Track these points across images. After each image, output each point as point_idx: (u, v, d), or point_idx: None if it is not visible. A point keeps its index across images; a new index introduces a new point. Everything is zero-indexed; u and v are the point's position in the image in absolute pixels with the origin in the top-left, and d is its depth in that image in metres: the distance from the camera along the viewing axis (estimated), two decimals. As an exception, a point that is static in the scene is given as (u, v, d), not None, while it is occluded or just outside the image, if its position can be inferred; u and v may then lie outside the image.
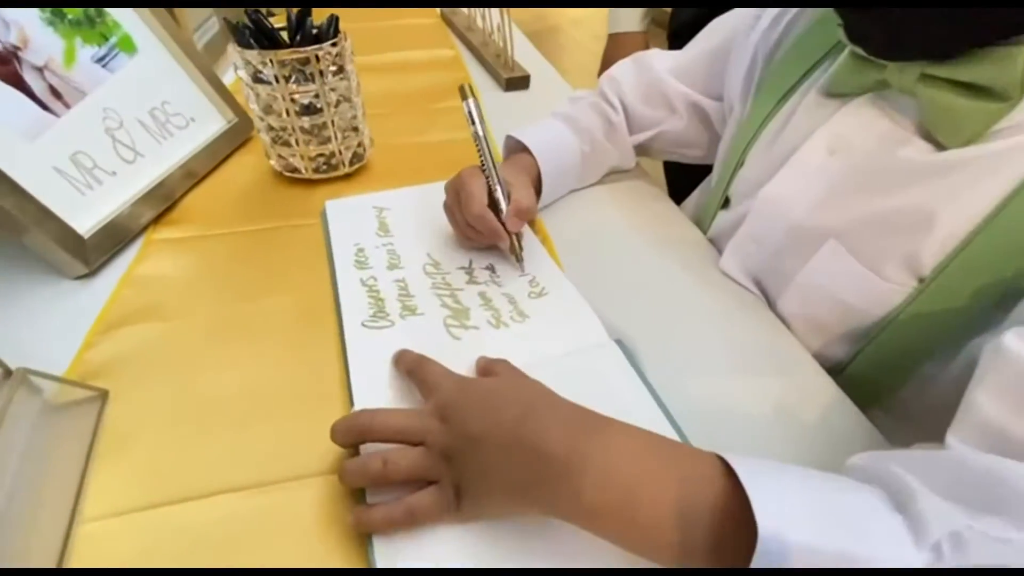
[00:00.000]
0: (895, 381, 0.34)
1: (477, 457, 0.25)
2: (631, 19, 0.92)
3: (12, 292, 0.42)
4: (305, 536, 0.28)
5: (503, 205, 0.41)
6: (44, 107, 0.44)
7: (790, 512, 0.20)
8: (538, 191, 0.48)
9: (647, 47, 0.93)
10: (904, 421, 0.35)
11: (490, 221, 0.40)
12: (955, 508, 0.19)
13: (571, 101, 0.56)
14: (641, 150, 0.57)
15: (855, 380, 0.35)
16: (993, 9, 0.26)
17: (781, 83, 0.40)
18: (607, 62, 0.95)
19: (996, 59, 0.28)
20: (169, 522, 0.28)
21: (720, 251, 0.45)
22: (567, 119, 0.52)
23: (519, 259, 0.42)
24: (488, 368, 0.32)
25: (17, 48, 0.44)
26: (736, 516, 0.21)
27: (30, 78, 0.44)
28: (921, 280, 0.32)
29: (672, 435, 0.31)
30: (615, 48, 0.93)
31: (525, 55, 0.87)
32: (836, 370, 0.37)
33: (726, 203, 0.47)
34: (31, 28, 0.45)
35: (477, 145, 0.43)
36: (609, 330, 0.37)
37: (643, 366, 0.35)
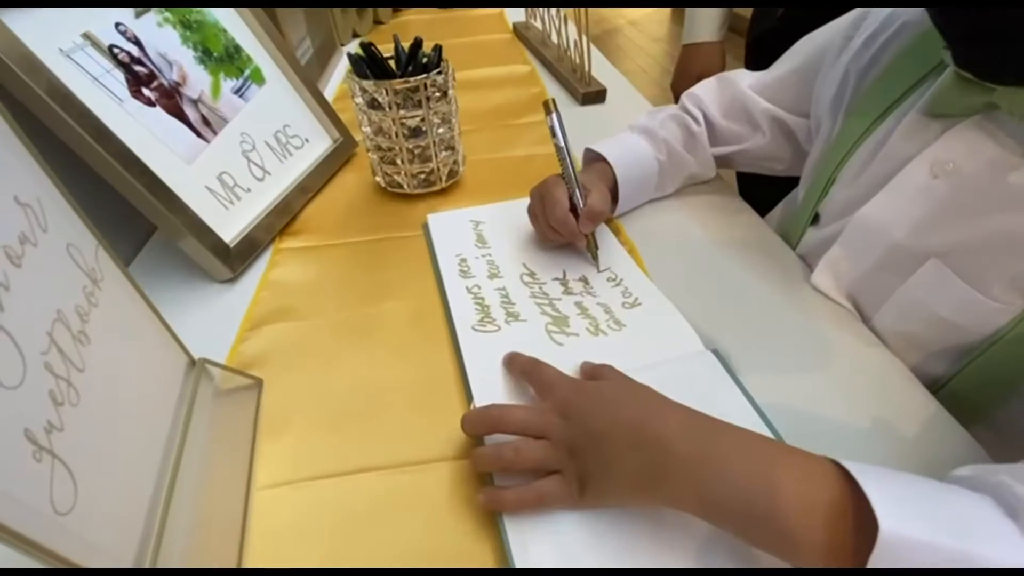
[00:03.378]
0: (997, 399, 0.35)
1: (600, 452, 0.28)
2: (708, 29, 0.91)
3: (172, 293, 0.49)
4: (434, 511, 0.32)
5: (581, 209, 0.45)
6: (198, 134, 0.51)
7: (909, 511, 0.21)
8: (616, 198, 0.52)
9: (723, 57, 0.93)
10: (1006, 438, 0.35)
11: (570, 224, 0.45)
12: None
13: (649, 115, 0.58)
14: (722, 162, 0.59)
15: (955, 397, 0.36)
16: None
17: (877, 102, 0.41)
18: (682, 73, 0.95)
19: None
20: (322, 493, 0.33)
21: (810, 266, 0.46)
22: (644, 131, 0.55)
23: (595, 257, 0.48)
24: (595, 372, 0.36)
25: (178, 84, 0.51)
26: (854, 516, 0.22)
27: (188, 110, 0.51)
28: None
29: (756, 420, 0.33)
30: (691, 58, 0.93)
31: (599, 68, 0.90)
32: (934, 387, 0.37)
33: (815, 219, 0.48)
34: (187, 66, 0.52)
35: (559, 155, 0.47)
36: (702, 340, 0.40)
37: (739, 376, 0.37)
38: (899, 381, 0.38)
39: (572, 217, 0.45)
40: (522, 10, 1.14)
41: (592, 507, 0.30)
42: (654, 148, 0.54)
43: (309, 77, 0.66)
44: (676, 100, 1.00)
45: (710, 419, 0.28)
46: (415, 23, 1.25)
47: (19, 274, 0.22)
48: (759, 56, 0.86)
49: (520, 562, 0.28)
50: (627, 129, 0.57)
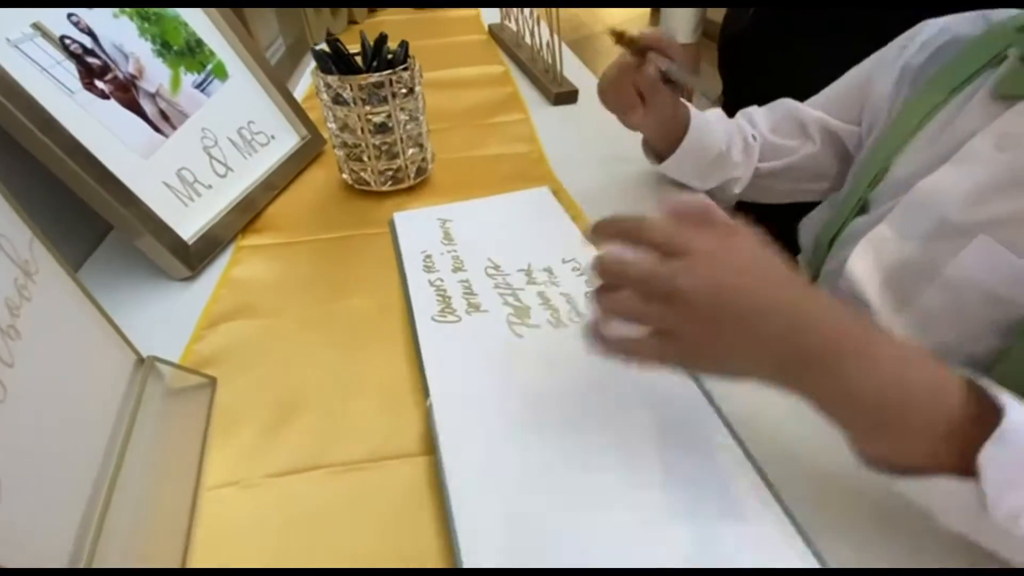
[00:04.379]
0: None
1: (732, 324, 0.26)
2: (682, 32, 0.95)
3: (127, 291, 0.48)
4: (387, 510, 0.31)
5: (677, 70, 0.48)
6: (156, 129, 0.50)
7: None
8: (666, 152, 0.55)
9: (699, 59, 0.96)
10: None
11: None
12: None
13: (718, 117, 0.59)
14: (766, 181, 0.58)
15: (1007, 376, 0.34)
16: None
17: (937, 91, 0.42)
18: None
19: None
20: (274, 492, 0.32)
21: (845, 257, 0.45)
22: (721, 119, 0.58)
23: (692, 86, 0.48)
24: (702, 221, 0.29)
25: (135, 77, 0.50)
26: (981, 421, 0.23)
27: (145, 103, 0.50)
28: None
29: (713, 418, 0.33)
30: None
31: (572, 69, 0.90)
32: (984, 365, 0.36)
33: (862, 210, 0.47)
34: (145, 59, 0.51)
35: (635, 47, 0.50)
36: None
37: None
38: None
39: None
40: (498, 12, 1.14)
41: (700, 373, 0.33)
42: (725, 135, 0.55)
43: (276, 74, 0.65)
44: None
45: (852, 312, 0.26)
46: (391, 23, 1.25)
47: (-63, 263, 0.21)
48: (732, 57, 0.88)
49: (468, 561, 0.28)
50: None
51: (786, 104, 0.57)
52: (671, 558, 0.28)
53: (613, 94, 0.53)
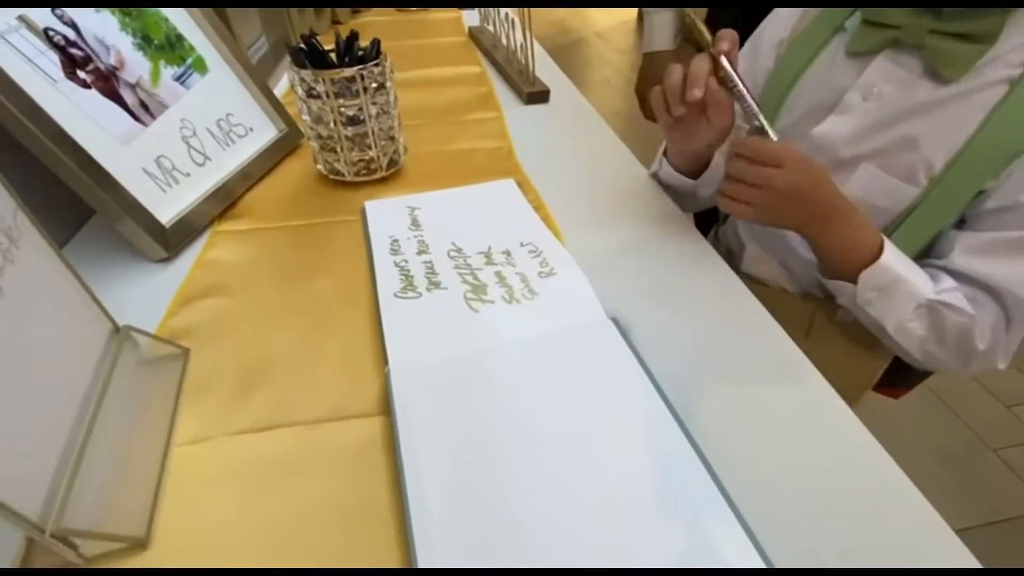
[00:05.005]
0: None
1: (786, 209, 0.45)
2: (663, 39, 1.01)
3: (106, 271, 0.50)
4: (347, 461, 0.34)
5: (764, 125, 0.45)
6: (135, 118, 0.53)
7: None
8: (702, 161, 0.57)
9: (680, 61, 1.00)
10: None
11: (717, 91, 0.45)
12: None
13: None
14: None
15: None
16: None
17: (799, 56, 0.54)
18: (643, 78, 1.05)
19: (989, 14, 0.42)
20: (240, 448, 0.35)
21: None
22: None
23: (760, 117, 0.45)
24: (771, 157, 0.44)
25: (115, 68, 0.52)
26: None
27: (125, 93, 0.52)
28: (931, 180, 0.46)
29: (658, 403, 0.36)
30: (651, 66, 1.03)
31: (547, 71, 0.94)
32: None
33: None
34: (126, 51, 0.54)
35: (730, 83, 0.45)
36: (607, 309, 0.43)
37: (636, 341, 0.41)
38: (767, 328, 0.43)
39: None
40: (477, 15, 1.18)
41: (763, 223, 0.48)
42: None
43: (256, 70, 0.68)
44: (640, 103, 1.06)
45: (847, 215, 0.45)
46: (374, 24, 1.27)
47: (-71, 222, 0.24)
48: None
49: (415, 508, 0.30)
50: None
51: None
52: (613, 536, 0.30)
53: (676, 102, 0.46)
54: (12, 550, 0.29)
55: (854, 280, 0.46)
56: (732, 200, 0.46)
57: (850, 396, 0.51)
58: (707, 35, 0.45)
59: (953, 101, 0.45)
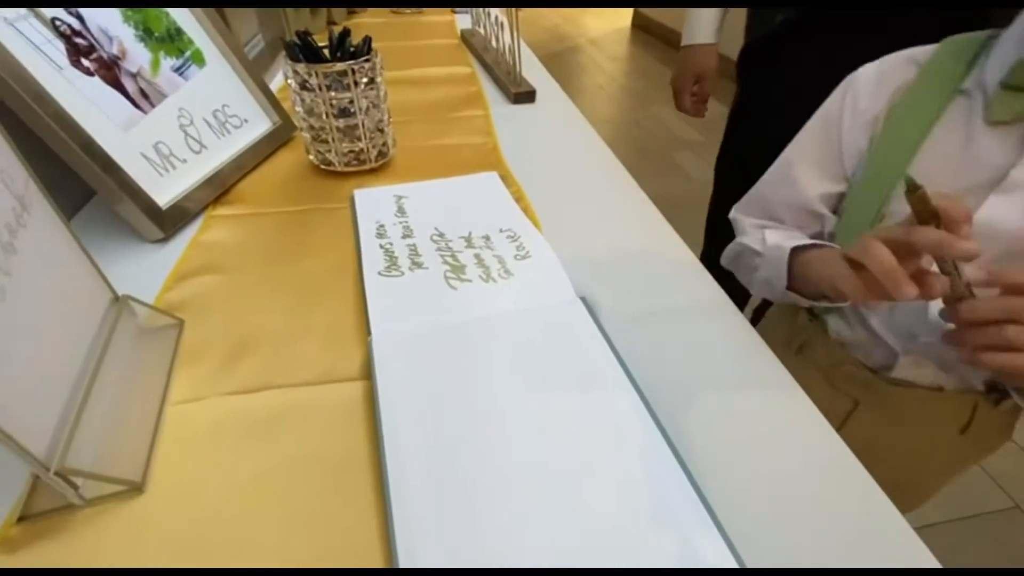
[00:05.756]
0: None
1: None
2: (704, 32, 0.97)
3: (105, 250, 0.53)
4: (330, 420, 0.37)
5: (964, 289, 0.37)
6: (136, 105, 0.55)
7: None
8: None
9: (718, 58, 0.99)
10: None
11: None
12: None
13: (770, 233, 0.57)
14: None
15: None
16: None
17: (909, 129, 0.47)
18: (682, 73, 1.02)
19: None
20: (231, 406, 0.38)
21: None
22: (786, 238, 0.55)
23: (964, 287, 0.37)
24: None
25: (118, 58, 0.55)
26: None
27: (126, 82, 0.55)
28: None
29: (622, 378, 0.38)
30: (689, 59, 1.01)
31: (535, 74, 0.98)
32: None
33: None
34: (128, 42, 0.56)
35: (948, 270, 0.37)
36: (576, 288, 0.46)
37: (602, 319, 0.44)
38: (723, 309, 0.46)
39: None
40: (469, 18, 1.21)
41: None
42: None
43: (252, 65, 0.71)
44: (675, 96, 1.06)
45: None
46: (368, 25, 1.31)
47: (-46, 183, 0.27)
48: (754, 62, 0.93)
49: (391, 461, 0.33)
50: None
51: (789, 198, 0.57)
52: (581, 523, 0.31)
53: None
54: (17, 490, 0.32)
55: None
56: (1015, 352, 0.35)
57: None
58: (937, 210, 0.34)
59: None
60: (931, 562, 0.30)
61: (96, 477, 0.31)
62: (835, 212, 0.57)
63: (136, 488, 0.33)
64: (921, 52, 0.49)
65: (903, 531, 0.32)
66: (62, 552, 0.30)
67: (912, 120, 0.47)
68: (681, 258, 0.53)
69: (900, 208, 0.47)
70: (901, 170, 0.48)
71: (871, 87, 0.50)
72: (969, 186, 0.45)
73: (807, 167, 0.55)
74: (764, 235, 0.55)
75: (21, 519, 0.31)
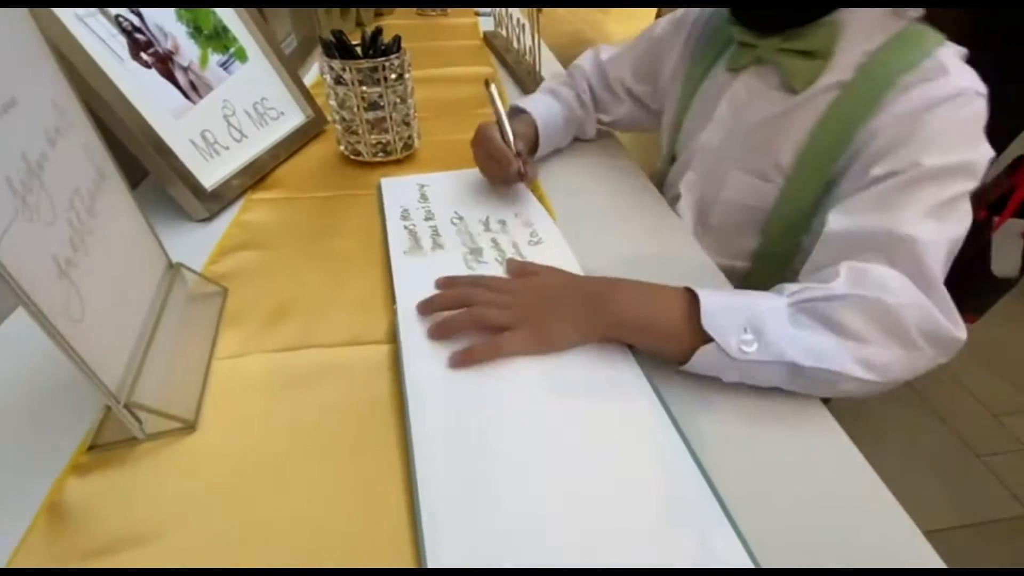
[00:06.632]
0: (791, 253, 0.55)
1: (555, 305, 0.42)
2: None
3: (156, 226, 0.58)
4: (360, 374, 0.41)
5: (511, 140, 0.58)
6: (186, 96, 0.61)
7: (718, 298, 0.38)
8: (536, 143, 0.67)
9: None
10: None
11: (504, 149, 0.57)
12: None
13: (552, 78, 0.78)
14: (608, 126, 0.79)
15: (769, 259, 0.57)
16: None
17: (699, 67, 0.62)
18: None
19: (819, 33, 0.48)
20: (271, 362, 0.42)
21: (666, 195, 0.65)
22: (552, 92, 0.72)
23: (525, 175, 0.57)
24: (523, 268, 0.48)
25: (171, 52, 0.60)
26: (692, 314, 0.38)
27: (178, 75, 0.60)
28: (785, 177, 0.52)
29: (640, 377, 0.39)
30: None
31: (553, 72, 1.01)
32: (754, 256, 0.58)
33: (673, 159, 0.67)
34: (180, 39, 0.62)
35: (493, 107, 0.59)
36: (586, 271, 0.50)
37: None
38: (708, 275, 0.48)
39: (505, 146, 0.58)
40: (491, 21, 1.26)
41: (547, 351, 0.41)
42: (560, 106, 0.71)
43: (289, 61, 0.76)
44: None
45: (608, 279, 0.43)
46: (395, 26, 1.36)
47: (54, 152, 0.31)
48: None
49: (414, 411, 0.37)
50: (539, 91, 0.74)
51: (600, 61, 0.74)
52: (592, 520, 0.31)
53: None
54: (88, 423, 0.37)
55: (692, 341, 0.37)
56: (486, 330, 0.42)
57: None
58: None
59: (799, 107, 0.50)
60: (940, 566, 0.30)
61: (156, 412, 0.35)
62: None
63: (189, 426, 0.37)
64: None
65: (914, 534, 0.32)
66: (124, 479, 0.35)
67: (702, 61, 0.62)
68: (696, 258, 0.55)
69: (687, 129, 0.65)
70: (688, 99, 0.64)
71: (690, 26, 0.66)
72: (703, 117, 0.60)
73: (624, 56, 0.74)
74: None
75: (91, 448, 0.36)
